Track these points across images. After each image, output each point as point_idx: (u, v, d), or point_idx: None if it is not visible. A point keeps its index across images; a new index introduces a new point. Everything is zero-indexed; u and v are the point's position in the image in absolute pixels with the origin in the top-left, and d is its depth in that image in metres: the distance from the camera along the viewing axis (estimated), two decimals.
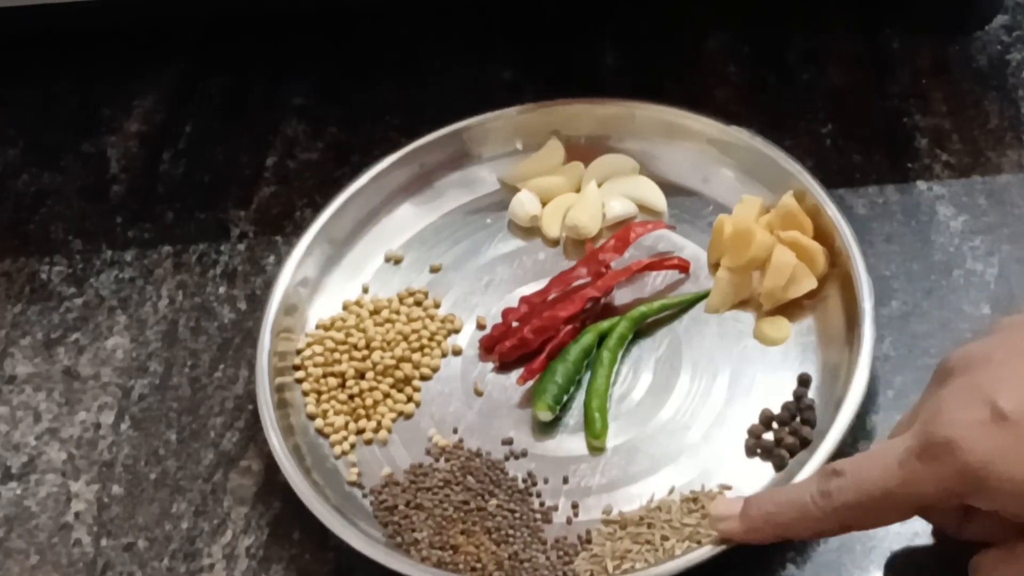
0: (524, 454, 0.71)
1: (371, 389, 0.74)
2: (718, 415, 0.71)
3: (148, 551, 0.71)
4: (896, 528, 0.66)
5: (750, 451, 0.69)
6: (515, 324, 0.75)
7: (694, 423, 0.71)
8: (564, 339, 0.74)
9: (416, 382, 0.74)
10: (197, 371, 0.78)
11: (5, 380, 0.79)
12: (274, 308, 0.75)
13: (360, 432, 0.73)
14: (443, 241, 0.81)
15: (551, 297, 0.76)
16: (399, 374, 0.74)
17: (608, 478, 0.70)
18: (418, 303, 0.78)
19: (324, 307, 0.78)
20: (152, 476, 0.74)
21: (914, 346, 0.73)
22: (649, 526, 0.66)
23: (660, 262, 0.77)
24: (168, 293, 0.82)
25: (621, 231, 0.78)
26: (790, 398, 0.71)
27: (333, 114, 0.90)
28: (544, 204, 0.81)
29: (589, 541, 0.67)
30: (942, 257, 0.77)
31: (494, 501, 0.69)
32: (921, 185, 0.80)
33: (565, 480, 0.70)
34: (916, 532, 0.66)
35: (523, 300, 0.76)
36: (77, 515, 0.73)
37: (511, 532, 0.68)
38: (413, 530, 0.68)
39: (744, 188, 0.78)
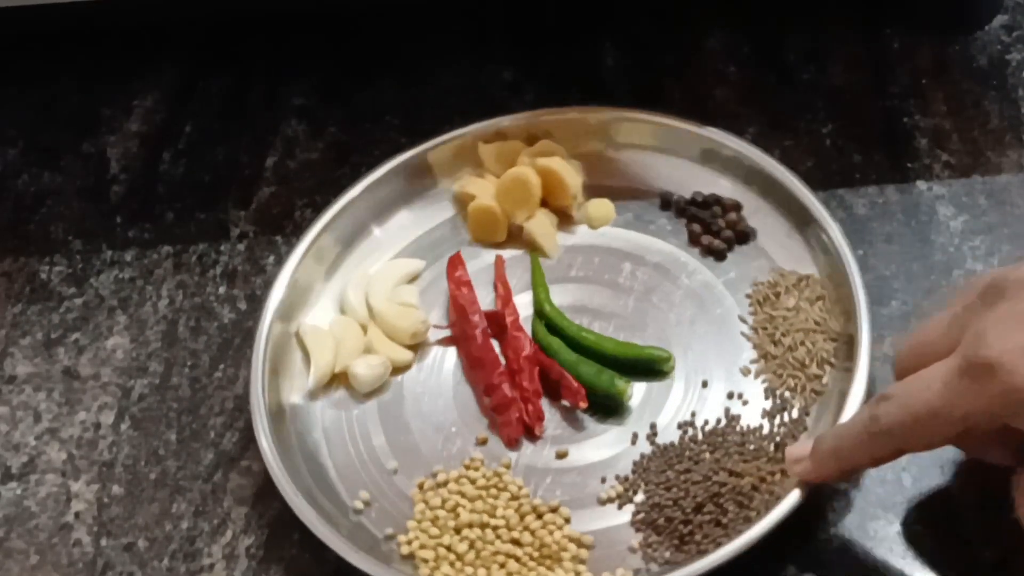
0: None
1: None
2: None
3: (148, 551, 0.71)
4: (896, 528, 0.66)
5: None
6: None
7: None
8: (542, 364, 0.73)
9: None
10: (197, 371, 0.78)
11: (5, 380, 0.79)
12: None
13: None
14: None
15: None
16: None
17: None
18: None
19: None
20: (152, 476, 0.74)
21: None
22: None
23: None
24: (168, 293, 0.82)
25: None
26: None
27: (333, 114, 0.90)
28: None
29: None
30: (942, 257, 0.77)
31: None
32: (921, 185, 0.80)
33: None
34: (916, 532, 0.66)
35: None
36: (77, 515, 0.73)
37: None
38: None
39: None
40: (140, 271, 0.83)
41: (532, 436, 0.72)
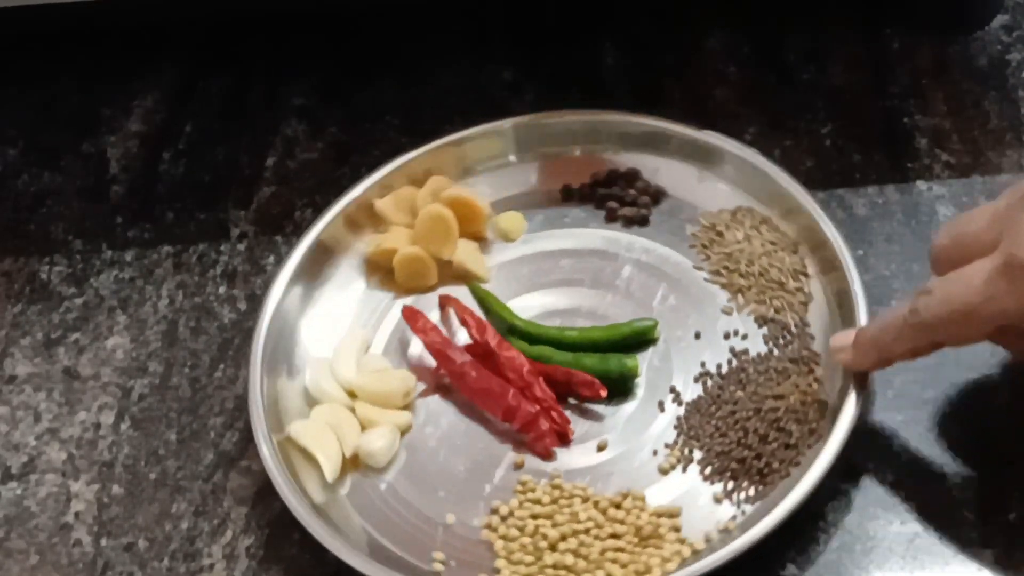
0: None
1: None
2: None
3: (148, 551, 0.71)
4: (896, 528, 0.66)
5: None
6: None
7: None
8: (544, 373, 0.73)
9: None
10: (197, 371, 0.78)
11: (5, 380, 0.79)
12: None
13: None
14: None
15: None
16: None
17: None
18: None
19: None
20: (152, 476, 0.74)
21: None
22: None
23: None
24: (168, 293, 0.82)
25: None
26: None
27: (333, 114, 0.90)
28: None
29: None
30: None
31: None
32: (921, 185, 0.80)
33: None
34: (916, 532, 0.66)
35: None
36: (77, 515, 0.73)
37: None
38: None
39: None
40: (140, 271, 0.83)
41: (565, 441, 0.72)
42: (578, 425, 0.72)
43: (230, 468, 0.73)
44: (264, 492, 0.71)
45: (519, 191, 0.81)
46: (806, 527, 0.67)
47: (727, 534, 0.66)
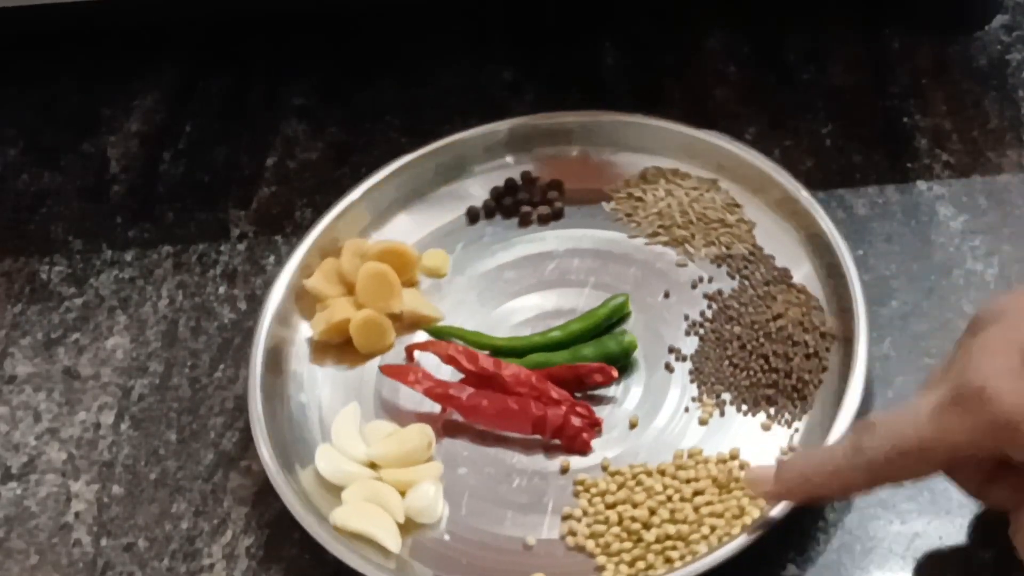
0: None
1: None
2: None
3: (148, 551, 0.71)
4: (896, 528, 0.66)
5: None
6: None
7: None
8: (551, 377, 0.73)
9: None
10: (197, 371, 0.78)
11: (5, 380, 0.79)
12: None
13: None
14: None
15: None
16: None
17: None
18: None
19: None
20: (152, 476, 0.74)
21: (914, 346, 0.73)
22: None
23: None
24: (168, 293, 0.82)
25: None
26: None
27: (333, 114, 0.90)
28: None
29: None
30: (942, 257, 0.77)
31: None
32: (921, 185, 0.80)
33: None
34: (916, 533, 0.66)
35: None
36: (77, 515, 0.73)
37: None
38: None
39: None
40: (140, 271, 0.83)
41: (598, 432, 0.71)
42: (600, 414, 0.72)
43: (230, 468, 0.73)
44: (264, 492, 0.71)
45: (430, 229, 0.81)
46: (806, 527, 0.67)
47: (795, 451, 0.68)
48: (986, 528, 0.66)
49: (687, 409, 0.72)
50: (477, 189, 0.82)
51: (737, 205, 0.78)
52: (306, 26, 0.94)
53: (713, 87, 0.87)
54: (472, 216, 0.81)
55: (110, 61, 0.95)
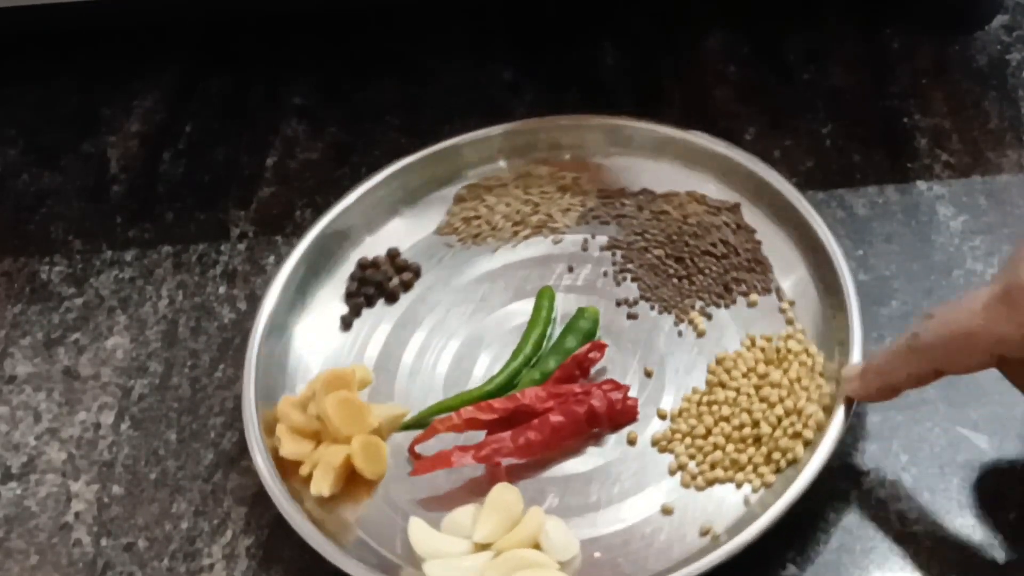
0: None
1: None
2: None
3: (148, 551, 0.71)
4: (896, 528, 0.66)
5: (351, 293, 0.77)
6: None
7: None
8: (557, 381, 0.73)
9: None
10: (197, 371, 0.78)
11: (5, 380, 0.79)
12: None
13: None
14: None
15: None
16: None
17: None
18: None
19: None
20: (152, 476, 0.74)
21: None
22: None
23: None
24: (168, 293, 0.82)
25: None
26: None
27: (333, 114, 0.90)
28: None
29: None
30: (942, 257, 0.77)
31: None
32: (921, 185, 0.80)
33: None
34: (916, 532, 0.66)
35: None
36: (77, 515, 0.73)
37: None
38: None
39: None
40: (140, 271, 0.83)
41: (631, 398, 0.72)
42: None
43: (230, 468, 0.73)
44: (264, 492, 0.71)
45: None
46: (806, 527, 0.67)
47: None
48: (986, 529, 0.66)
49: (680, 333, 0.74)
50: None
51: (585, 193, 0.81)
52: (306, 26, 0.94)
53: (713, 87, 0.87)
54: (346, 323, 0.77)
55: (110, 61, 0.95)
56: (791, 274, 0.75)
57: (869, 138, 0.83)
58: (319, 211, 0.81)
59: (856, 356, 0.69)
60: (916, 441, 0.69)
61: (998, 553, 0.65)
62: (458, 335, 0.76)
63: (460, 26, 0.93)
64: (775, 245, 0.76)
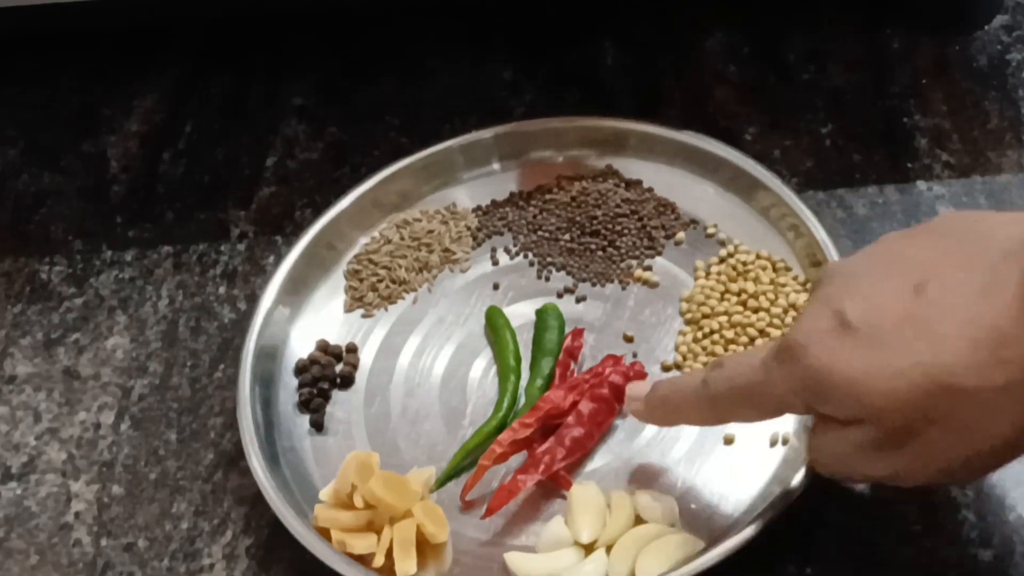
0: None
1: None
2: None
3: (148, 551, 0.71)
4: (896, 528, 0.66)
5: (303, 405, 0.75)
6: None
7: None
8: (567, 385, 0.72)
9: None
10: (197, 371, 0.78)
11: (5, 380, 0.79)
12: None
13: None
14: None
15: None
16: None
17: None
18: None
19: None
20: (152, 476, 0.74)
21: None
22: None
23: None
24: (168, 293, 0.82)
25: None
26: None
27: (333, 114, 0.90)
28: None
29: None
30: None
31: None
32: (921, 185, 0.80)
33: None
34: (916, 532, 0.66)
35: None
36: (77, 515, 0.73)
37: None
38: None
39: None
40: (140, 271, 0.83)
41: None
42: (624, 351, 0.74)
43: (230, 468, 0.73)
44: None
45: None
46: (806, 527, 0.67)
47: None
48: (986, 528, 0.66)
49: (634, 294, 0.76)
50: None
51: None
52: (306, 26, 0.94)
53: (713, 87, 0.87)
54: (317, 426, 0.74)
55: (110, 61, 0.95)
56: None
57: (869, 138, 0.83)
58: (319, 211, 0.81)
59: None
60: None
61: (998, 552, 0.65)
62: (433, 381, 0.75)
63: (460, 26, 0.93)
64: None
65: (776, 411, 0.61)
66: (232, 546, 0.70)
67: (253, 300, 0.80)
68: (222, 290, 0.81)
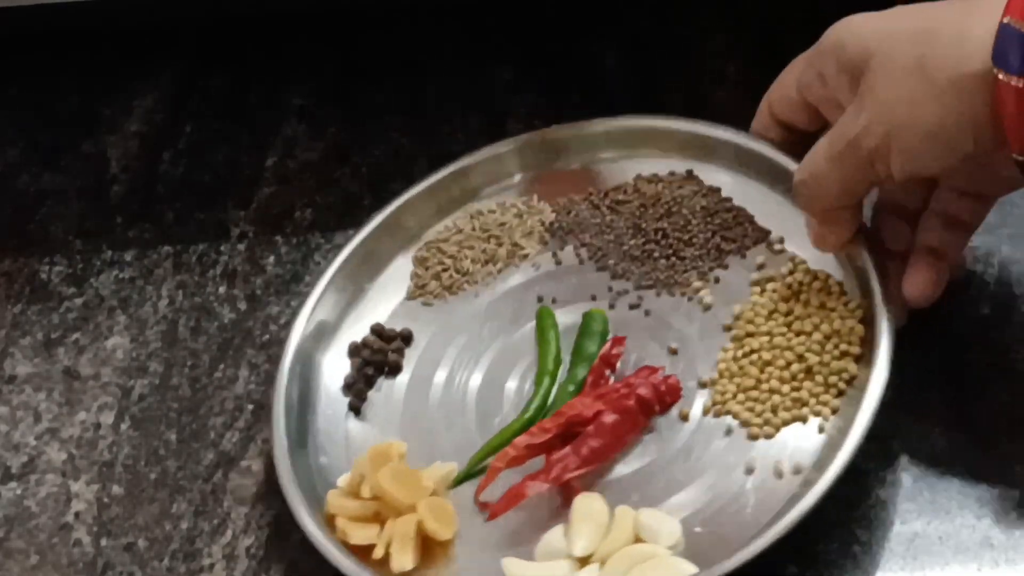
0: None
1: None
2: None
3: (148, 551, 0.71)
4: (896, 528, 0.66)
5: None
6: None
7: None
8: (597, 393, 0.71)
9: None
10: (197, 371, 0.78)
11: (5, 380, 0.79)
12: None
13: None
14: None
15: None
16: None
17: None
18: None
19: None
20: (152, 476, 0.74)
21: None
22: None
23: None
24: (168, 293, 0.82)
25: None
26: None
27: (333, 114, 0.90)
28: None
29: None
30: None
31: None
32: None
33: None
34: (917, 532, 0.66)
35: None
36: (77, 515, 0.73)
37: None
38: None
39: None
40: (140, 271, 0.83)
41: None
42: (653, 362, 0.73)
43: (230, 468, 0.73)
44: (264, 492, 0.71)
45: None
46: (806, 527, 0.67)
47: None
48: (985, 528, 0.66)
49: (689, 299, 0.74)
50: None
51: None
52: (306, 26, 0.94)
53: (713, 87, 0.87)
54: (355, 410, 0.74)
55: (110, 61, 0.95)
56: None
57: None
58: (319, 211, 0.81)
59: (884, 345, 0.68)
60: (916, 440, 0.69)
61: (998, 552, 0.65)
62: (474, 379, 0.74)
63: (460, 26, 0.93)
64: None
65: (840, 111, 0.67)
66: (232, 546, 0.70)
67: (253, 300, 0.80)
68: (222, 290, 0.81)
